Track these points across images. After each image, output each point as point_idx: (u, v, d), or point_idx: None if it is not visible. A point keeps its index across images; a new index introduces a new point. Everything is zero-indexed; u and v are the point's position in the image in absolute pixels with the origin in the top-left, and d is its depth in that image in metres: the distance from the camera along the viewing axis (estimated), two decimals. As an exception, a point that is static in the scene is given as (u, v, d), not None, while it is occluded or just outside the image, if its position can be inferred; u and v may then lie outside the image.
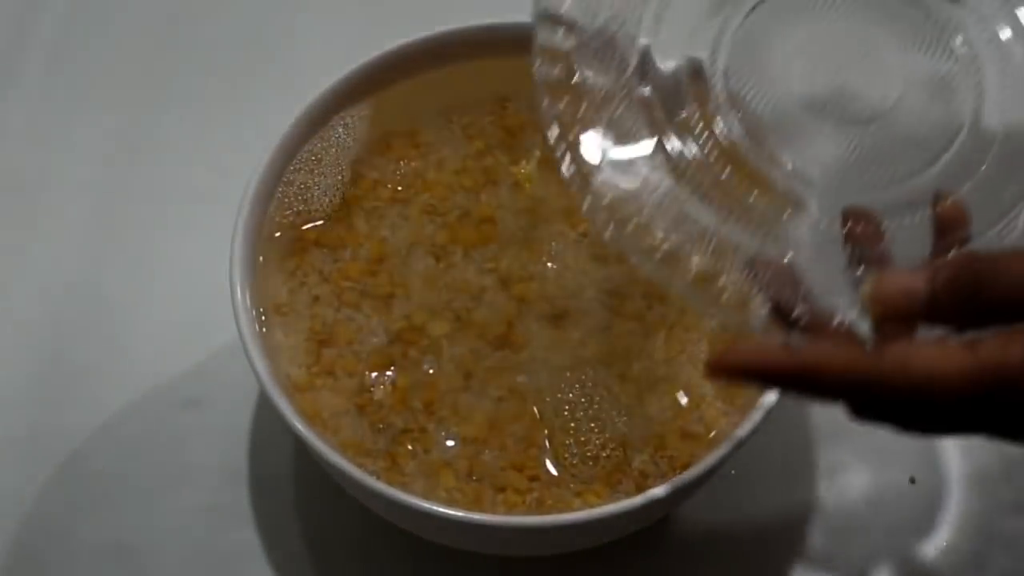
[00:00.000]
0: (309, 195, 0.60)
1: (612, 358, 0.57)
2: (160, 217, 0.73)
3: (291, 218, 0.60)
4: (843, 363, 0.43)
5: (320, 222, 0.60)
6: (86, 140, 0.76)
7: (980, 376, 0.41)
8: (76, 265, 0.71)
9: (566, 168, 0.45)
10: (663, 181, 0.46)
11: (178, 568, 0.63)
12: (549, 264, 0.59)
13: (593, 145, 0.45)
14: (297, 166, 0.60)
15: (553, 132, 0.45)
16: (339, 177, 0.60)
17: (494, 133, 0.62)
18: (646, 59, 0.47)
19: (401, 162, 0.61)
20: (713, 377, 0.45)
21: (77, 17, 0.81)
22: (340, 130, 0.61)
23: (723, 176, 0.46)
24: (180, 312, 0.70)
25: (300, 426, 0.54)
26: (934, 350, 0.42)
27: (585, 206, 0.45)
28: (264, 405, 0.66)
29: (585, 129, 0.45)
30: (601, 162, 0.45)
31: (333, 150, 0.61)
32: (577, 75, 0.46)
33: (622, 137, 0.46)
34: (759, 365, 0.43)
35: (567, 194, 0.60)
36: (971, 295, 0.42)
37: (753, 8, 0.49)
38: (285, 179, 0.60)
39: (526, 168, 0.61)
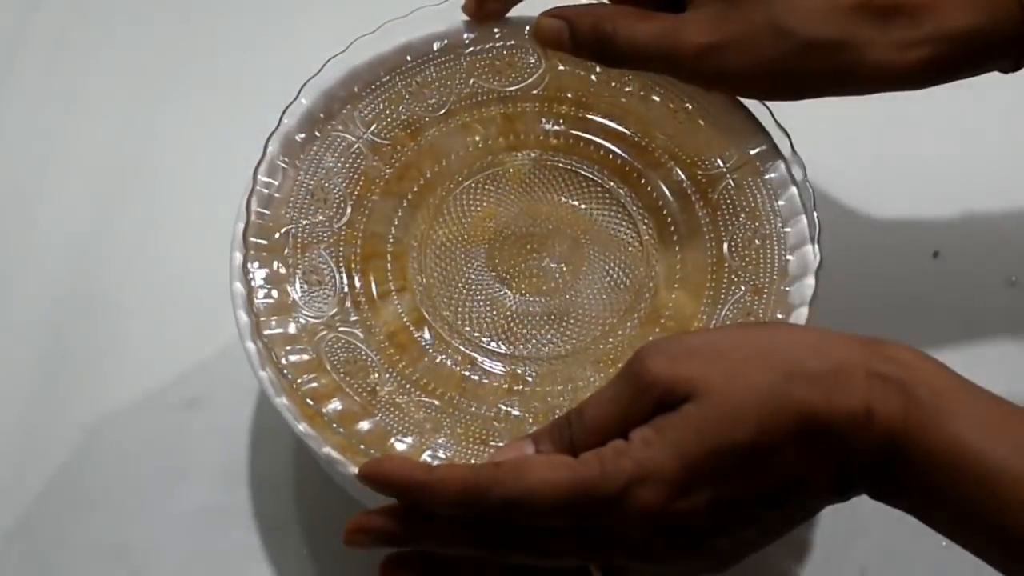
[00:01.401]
0: (309, 194, 0.60)
1: (615, 348, 0.57)
2: (160, 217, 0.73)
3: (291, 217, 0.60)
4: (469, 470, 0.48)
5: (319, 220, 0.59)
6: (85, 140, 0.76)
7: (580, 477, 0.46)
8: (76, 265, 0.72)
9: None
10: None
11: (178, 568, 0.63)
12: (548, 261, 0.59)
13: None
14: (301, 145, 0.60)
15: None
16: (338, 176, 0.60)
17: (496, 123, 0.62)
18: None
19: (401, 160, 0.61)
20: (366, 482, 0.49)
21: (77, 17, 0.81)
22: (345, 110, 0.61)
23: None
24: (180, 312, 0.70)
25: (300, 426, 0.54)
26: (547, 457, 0.48)
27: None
28: (264, 405, 0.66)
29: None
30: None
31: (338, 130, 0.61)
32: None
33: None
34: (402, 476, 0.48)
35: (566, 191, 0.61)
36: (569, 452, 0.49)
37: None
38: (289, 158, 0.59)
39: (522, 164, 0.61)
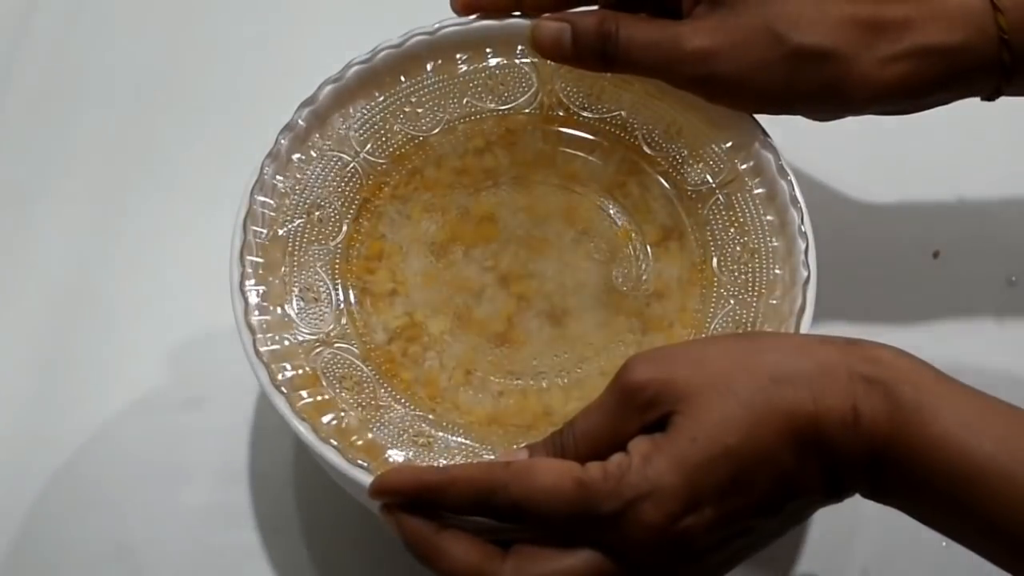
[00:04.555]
0: (305, 214, 0.60)
1: (611, 356, 0.57)
2: (160, 217, 0.73)
3: (287, 236, 0.60)
4: (480, 471, 0.49)
5: (316, 239, 0.60)
6: (86, 140, 0.76)
7: (584, 487, 0.47)
8: (76, 265, 0.72)
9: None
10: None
11: (178, 568, 0.64)
12: (548, 262, 0.60)
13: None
14: (297, 165, 0.60)
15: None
16: (334, 195, 0.60)
17: (494, 131, 0.62)
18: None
19: (401, 160, 0.62)
20: (377, 496, 0.50)
21: (77, 18, 0.81)
22: (341, 130, 0.61)
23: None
24: (181, 313, 0.70)
25: (300, 426, 0.54)
26: (554, 463, 0.48)
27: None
28: (264, 405, 0.66)
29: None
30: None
31: (333, 150, 0.61)
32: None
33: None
34: (415, 481, 0.49)
35: (559, 203, 0.61)
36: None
37: None
38: (285, 178, 0.60)
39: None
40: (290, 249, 0.59)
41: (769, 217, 0.59)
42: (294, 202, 0.60)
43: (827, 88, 0.57)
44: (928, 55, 0.57)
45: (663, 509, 0.47)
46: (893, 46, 0.57)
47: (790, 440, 0.47)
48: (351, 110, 0.62)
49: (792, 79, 0.57)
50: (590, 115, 0.63)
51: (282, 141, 0.60)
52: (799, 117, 0.60)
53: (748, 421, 0.47)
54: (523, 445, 0.51)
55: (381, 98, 0.62)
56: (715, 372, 0.48)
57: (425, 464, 0.54)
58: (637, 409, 0.48)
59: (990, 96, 0.60)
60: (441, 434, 0.55)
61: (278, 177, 0.60)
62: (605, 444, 0.49)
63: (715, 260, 0.59)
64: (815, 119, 0.60)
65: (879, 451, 0.47)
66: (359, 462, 0.53)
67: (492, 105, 0.63)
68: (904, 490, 0.48)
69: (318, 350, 0.57)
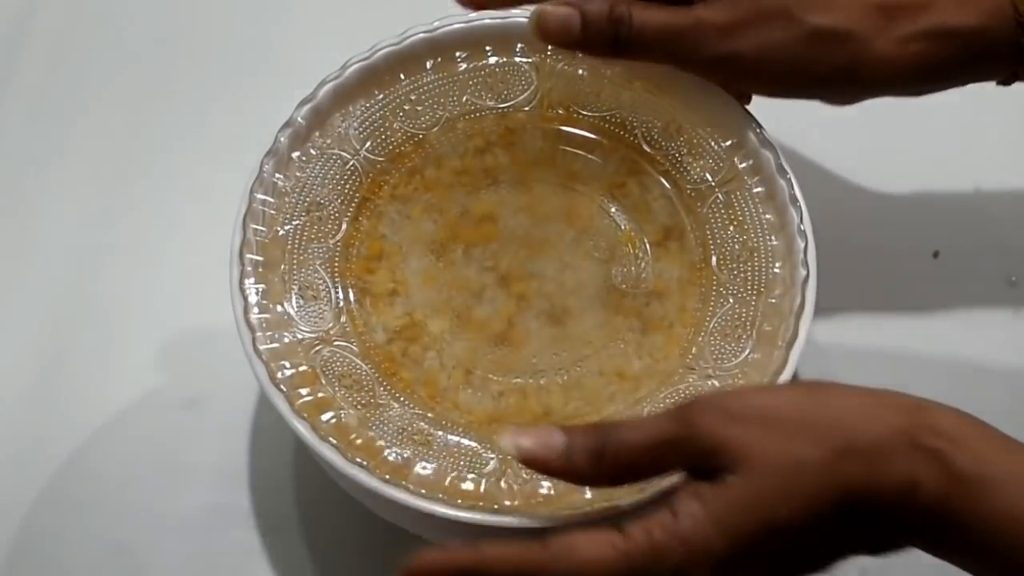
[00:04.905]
0: (304, 212, 0.60)
1: (611, 356, 0.57)
2: (159, 215, 0.73)
3: (286, 234, 0.60)
4: (517, 552, 0.47)
5: (315, 237, 0.60)
6: (86, 140, 0.76)
7: (629, 557, 0.46)
8: (76, 265, 0.72)
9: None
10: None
11: (178, 568, 0.64)
12: (548, 262, 0.60)
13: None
14: (297, 163, 0.60)
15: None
16: (334, 193, 0.60)
17: (493, 131, 0.62)
18: None
19: (401, 160, 0.62)
20: None
21: (77, 18, 0.81)
22: (340, 128, 0.61)
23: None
24: (180, 312, 0.70)
25: (299, 424, 0.54)
26: (593, 535, 0.47)
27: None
28: (264, 404, 0.66)
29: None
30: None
31: (333, 148, 0.61)
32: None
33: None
34: (446, 562, 0.47)
35: (559, 201, 0.61)
36: (598, 458, 0.48)
37: None
38: (285, 176, 0.60)
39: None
40: (290, 247, 0.59)
41: (768, 216, 0.59)
42: (294, 200, 0.60)
43: (844, 69, 0.57)
44: (945, 36, 0.57)
45: (707, 572, 0.46)
46: (909, 26, 0.57)
47: (845, 513, 0.47)
48: (351, 108, 0.62)
49: (809, 61, 0.57)
50: (590, 113, 0.63)
51: (282, 139, 0.60)
52: (799, 114, 0.60)
53: (806, 495, 0.47)
54: (559, 425, 0.50)
55: (381, 96, 0.62)
56: (781, 436, 0.47)
57: (419, 465, 0.54)
58: (690, 454, 0.48)
59: (1006, 80, 0.59)
60: (440, 433, 0.55)
61: (278, 175, 0.60)
62: (645, 465, 0.48)
63: (714, 259, 0.59)
64: (832, 103, 0.60)
65: (933, 521, 0.47)
66: (358, 460, 0.53)
67: (492, 103, 0.63)
68: (959, 556, 0.48)
69: (317, 348, 0.57)
